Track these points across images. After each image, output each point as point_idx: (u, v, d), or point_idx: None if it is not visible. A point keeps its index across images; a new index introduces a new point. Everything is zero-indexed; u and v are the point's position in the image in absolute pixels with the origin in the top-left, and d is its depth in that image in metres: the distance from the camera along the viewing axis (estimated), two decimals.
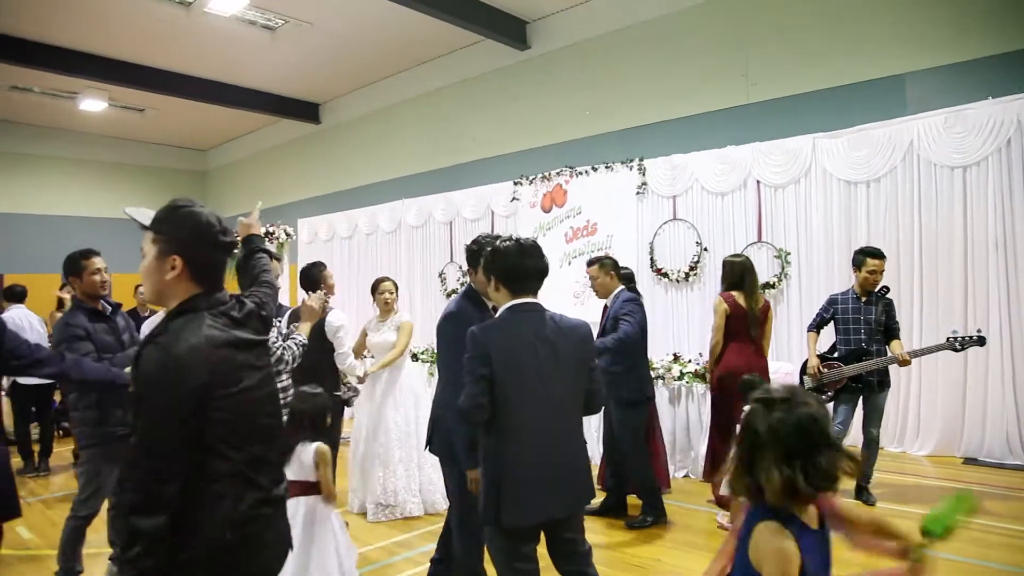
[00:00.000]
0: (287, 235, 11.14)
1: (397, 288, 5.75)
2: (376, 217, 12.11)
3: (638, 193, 8.67)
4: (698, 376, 6.41)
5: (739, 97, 8.24)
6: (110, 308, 4.06)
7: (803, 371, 5.69)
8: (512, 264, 2.74)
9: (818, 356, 5.51)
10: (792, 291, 7.56)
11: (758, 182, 7.81)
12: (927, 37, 7.05)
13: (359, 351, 5.65)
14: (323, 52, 11.15)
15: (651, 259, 8.55)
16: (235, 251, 2.20)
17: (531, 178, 9.78)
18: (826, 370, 5.40)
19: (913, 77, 7.16)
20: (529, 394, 2.65)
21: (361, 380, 5.38)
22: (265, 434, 2.03)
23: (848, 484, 4.94)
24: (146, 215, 2.05)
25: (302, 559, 3.28)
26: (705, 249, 8.17)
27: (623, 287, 5.30)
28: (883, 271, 5.40)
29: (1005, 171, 6.40)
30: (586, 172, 9.17)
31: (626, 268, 5.74)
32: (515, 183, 9.98)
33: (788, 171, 7.58)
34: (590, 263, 5.44)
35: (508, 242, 2.79)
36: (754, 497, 1.74)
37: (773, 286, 7.64)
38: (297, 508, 3.36)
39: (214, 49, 10.92)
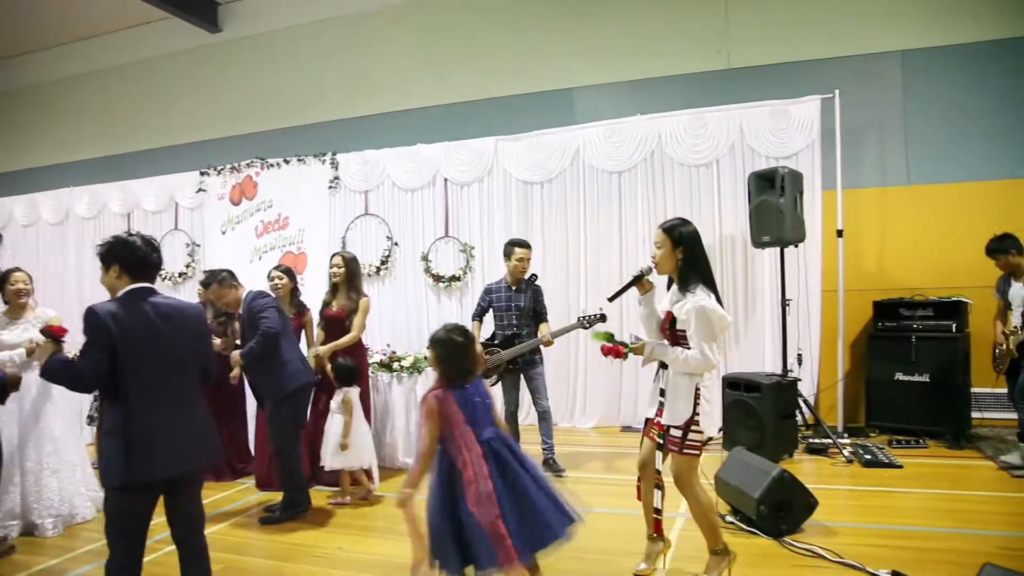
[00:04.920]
0: None
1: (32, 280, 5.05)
2: (38, 206, 10.58)
3: (331, 187, 8.57)
4: (383, 367, 6.31)
5: (429, 97, 8.52)
6: None
7: None
8: (140, 255, 2.99)
9: (481, 343, 5.68)
10: (476, 283, 7.90)
11: (446, 180, 8.12)
12: (591, 55, 7.87)
13: None
14: None
15: None
16: None
17: (219, 168, 9.20)
18: (488, 356, 5.66)
19: (580, 91, 7.97)
20: (153, 362, 2.90)
21: None
22: None
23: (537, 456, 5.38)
24: None
25: None
26: (396, 244, 8.31)
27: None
28: (529, 259, 5.73)
29: (650, 177, 7.34)
30: (278, 164, 8.83)
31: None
32: (202, 173, 9.31)
33: (473, 170, 7.97)
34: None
35: (133, 236, 3.06)
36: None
37: (459, 279, 7.97)
38: None
39: None
